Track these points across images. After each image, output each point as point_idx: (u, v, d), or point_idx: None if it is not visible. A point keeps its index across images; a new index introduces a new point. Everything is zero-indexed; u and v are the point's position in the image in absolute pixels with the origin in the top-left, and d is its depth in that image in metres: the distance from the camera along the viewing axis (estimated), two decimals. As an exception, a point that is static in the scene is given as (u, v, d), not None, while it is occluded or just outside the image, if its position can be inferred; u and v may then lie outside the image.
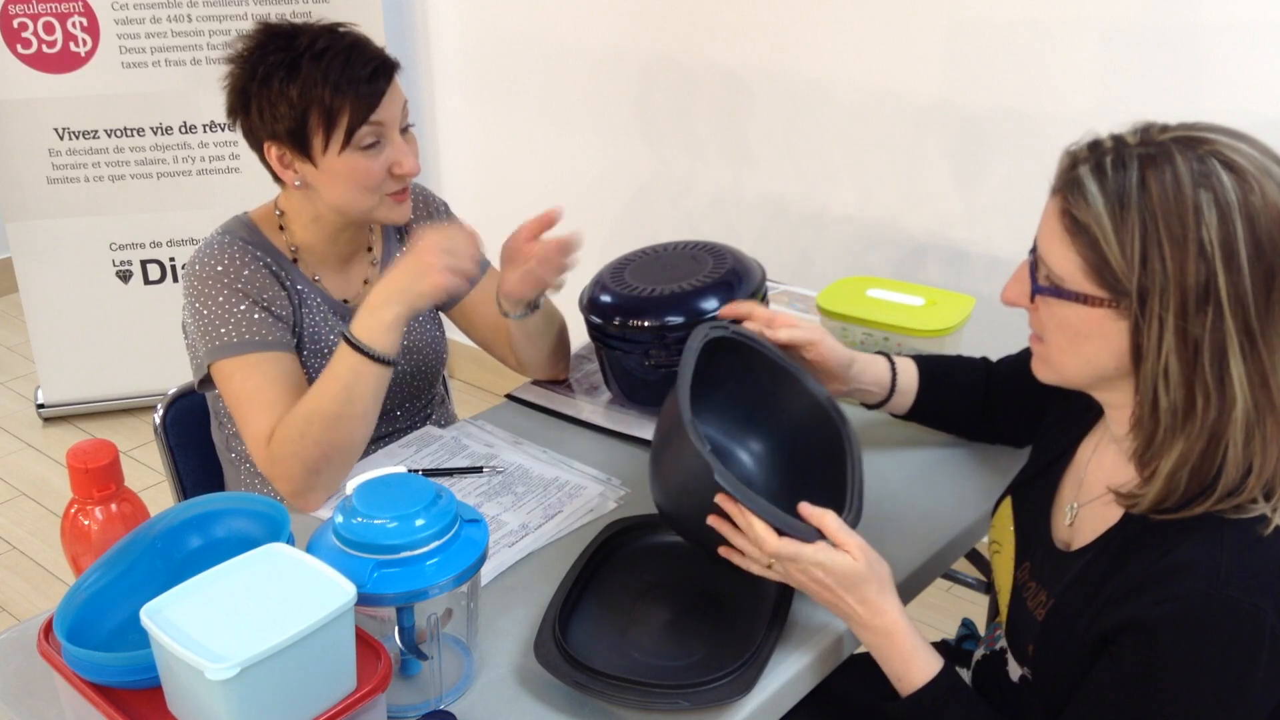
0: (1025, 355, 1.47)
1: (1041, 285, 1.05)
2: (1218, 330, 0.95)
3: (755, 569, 1.19)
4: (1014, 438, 1.53)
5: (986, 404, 1.49)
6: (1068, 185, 1.01)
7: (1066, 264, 1.01)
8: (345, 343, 1.45)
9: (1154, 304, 0.96)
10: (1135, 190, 0.96)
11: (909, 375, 1.48)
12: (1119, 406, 1.08)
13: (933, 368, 1.50)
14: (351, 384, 1.44)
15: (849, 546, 1.14)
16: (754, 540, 1.15)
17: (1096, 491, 1.15)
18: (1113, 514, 1.10)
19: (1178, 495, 1.01)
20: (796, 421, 1.38)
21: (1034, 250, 1.07)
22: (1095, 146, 1.02)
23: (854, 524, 1.22)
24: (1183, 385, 0.97)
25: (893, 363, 1.48)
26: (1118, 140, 1.01)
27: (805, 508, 1.16)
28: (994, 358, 1.51)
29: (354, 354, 1.44)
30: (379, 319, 1.44)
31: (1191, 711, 0.98)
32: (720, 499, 1.15)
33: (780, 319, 1.39)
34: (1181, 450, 0.99)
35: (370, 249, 1.70)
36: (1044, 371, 1.12)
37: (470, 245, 1.48)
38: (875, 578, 1.15)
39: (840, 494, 1.26)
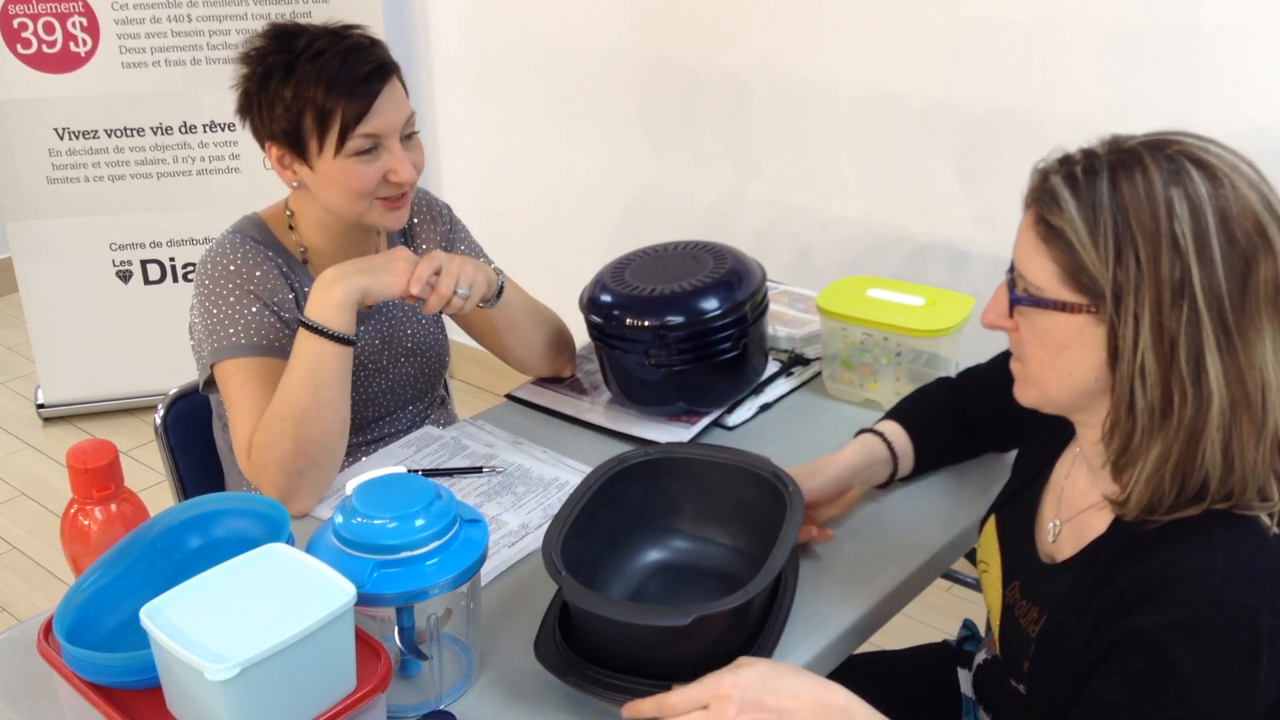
0: (995, 362, 1.46)
1: (1019, 296, 1.05)
2: (1193, 326, 0.95)
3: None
4: (1000, 443, 1.52)
5: (968, 420, 1.48)
6: (1040, 196, 1.02)
7: (1043, 272, 1.02)
8: (302, 328, 1.43)
9: (1129, 301, 0.96)
10: (1107, 192, 0.97)
11: (897, 433, 1.46)
12: (1093, 426, 1.06)
13: (907, 409, 1.48)
14: (315, 369, 1.42)
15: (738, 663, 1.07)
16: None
17: (1077, 508, 1.14)
18: (1097, 526, 1.09)
19: (1164, 497, 1.00)
20: (747, 503, 1.31)
21: (1011, 269, 1.07)
22: (1066, 160, 1.03)
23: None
24: (1159, 383, 0.97)
25: (876, 431, 1.45)
26: (1087, 152, 1.02)
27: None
28: (994, 358, 1.51)
29: (312, 337, 1.42)
30: (329, 296, 1.42)
31: (1202, 715, 0.97)
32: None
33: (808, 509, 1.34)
34: (1160, 450, 0.98)
35: (377, 253, 1.70)
36: (1027, 393, 1.11)
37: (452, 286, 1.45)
38: (790, 667, 1.08)
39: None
